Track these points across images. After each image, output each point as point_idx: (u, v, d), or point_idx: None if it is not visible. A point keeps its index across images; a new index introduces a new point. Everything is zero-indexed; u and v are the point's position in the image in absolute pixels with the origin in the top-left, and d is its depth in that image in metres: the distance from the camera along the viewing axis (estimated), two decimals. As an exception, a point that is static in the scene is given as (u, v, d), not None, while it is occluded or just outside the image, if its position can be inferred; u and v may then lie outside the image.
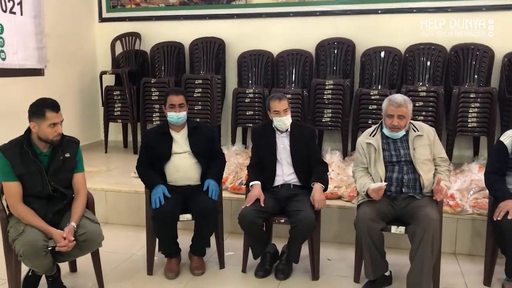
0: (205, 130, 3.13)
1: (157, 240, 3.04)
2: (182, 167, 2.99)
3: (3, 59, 4.34)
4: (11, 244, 2.48)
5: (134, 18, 5.54)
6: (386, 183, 2.71)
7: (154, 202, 2.83)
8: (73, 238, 2.46)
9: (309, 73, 4.91)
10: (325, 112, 4.56)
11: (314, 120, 4.57)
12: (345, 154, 4.50)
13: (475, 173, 3.71)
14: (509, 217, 2.57)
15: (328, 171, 3.11)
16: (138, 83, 5.04)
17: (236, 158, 4.25)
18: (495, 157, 2.89)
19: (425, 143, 2.80)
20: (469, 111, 4.20)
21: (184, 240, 3.04)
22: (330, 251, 3.28)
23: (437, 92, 4.23)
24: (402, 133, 2.82)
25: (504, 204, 2.63)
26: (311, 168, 3.01)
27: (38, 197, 2.53)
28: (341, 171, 3.97)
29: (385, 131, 2.85)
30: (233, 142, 4.80)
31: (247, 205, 2.84)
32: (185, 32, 5.31)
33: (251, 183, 2.97)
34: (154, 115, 4.93)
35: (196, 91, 4.78)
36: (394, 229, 2.72)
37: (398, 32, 4.77)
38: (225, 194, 3.50)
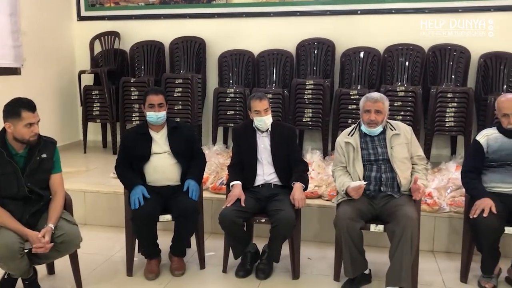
0: (185, 130, 3.11)
1: (136, 241, 3.01)
2: (162, 167, 2.97)
3: (-22, 57, 4.26)
4: (-14, 247, 2.42)
5: (113, 17, 5.47)
6: (365, 182, 2.74)
7: (133, 203, 2.80)
8: (50, 240, 2.42)
9: (290, 73, 4.93)
10: (305, 111, 4.58)
11: (294, 119, 4.59)
12: (325, 154, 4.53)
13: (452, 171, 3.77)
14: (484, 215, 2.62)
15: (308, 170, 3.12)
16: (118, 82, 4.98)
17: (217, 158, 4.23)
18: (471, 156, 2.94)
19: (402, 142, 2.84)
20: (447, 110, 4.26)
21: (164, 240, 3.02)
22: (310, 250, 3.30)
23: (415, 92, 4.29)
24: (379, 129, 2.85)
25: (479, 202, 2.68)
26: (291, 167, 3.02)
27: (14, 198, 2.48)
28: (321, 170, 3.99)
29: (364, 128, 2.88)
30: (214, 142, 4.79)
31: (228, 205, 2.84)
32: (165, 31, 5.27)
33: (231, 183, 2.97)
34: (133, 115, 4.88)
35: (176, 90, 4.75)
36: (373, 227, 2.75)
37: (377, 33, 4.82)
38: (205, 194, 3.49)
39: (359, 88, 4.68)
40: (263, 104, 2.98)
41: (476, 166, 2.87)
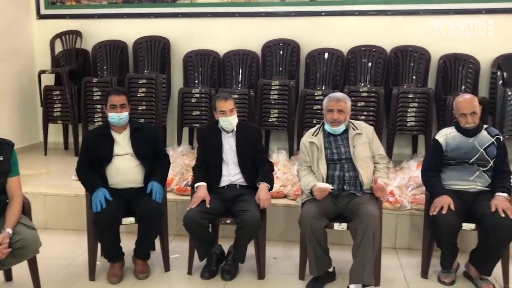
0: (148, 131, 3.07)
1: (99, 244, 2.95)
2: (124, 169, 2.92)
3: None
4: None
5: (75, 16, 5.34)
6: (332, 187, 2.77)
7: (95, 206, 2.75)
8: (7, 245, 2.34)
9: (256, 74, 4.94)
10: (271, 112, 4.60)
11: (260, 120, 4.60)
12: (291, 153, 4.56)
13: (413, 170, 3.87)
14: (443, 212, 2.70)
15: (273, 170, 3.14)
16: (79, 82, 4.87)
17: (182, 159, 4.19)
18: (431, 154, 3.03)
19: (364, 141, 2.89)
20: (408, 110, 4.37)
21: (128, 243, 2.98)
22: (276, 250, 3.31)
23: (378, 92, 4.38)
24: (341, 127, 2.89)
25: (439, 200, 2.77)
26: (257, 168, 3.03)
27: (-32, 203, 2.39)
28: (287, 170, 4.02)
29: (327, 127, 2.93)
30: (179, 142, 4.74)
31: (192, 207, 2.82)
32: (129, 31, 5.19)
33: (196, 185, 2.95)
34: (96, 116, 4.78)
35: (140, 90, 4.68)
36: (336, 226, 2.79)
37: (341, 34, 4.88)
38: (170, 196, 3.46)
39: (323, 88, 4.73)
40: (228, 104, 2.97)
41: (436, 164, 2.95)
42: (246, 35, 5.05)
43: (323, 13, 4.94)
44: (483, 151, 2.85)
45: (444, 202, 2.73)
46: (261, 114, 4.61)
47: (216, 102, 3.01)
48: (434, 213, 2.73)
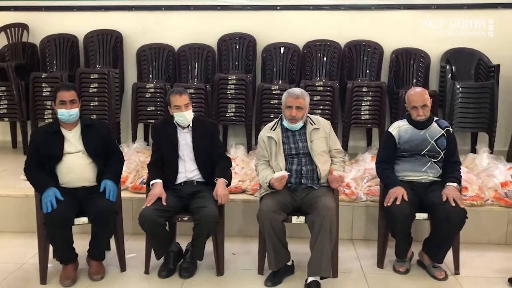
0: (100, 127, 2.96)
1: (51, 246, 2.83)
2: (76, 167, 2.82)
3: None
4: None
5: (21, 8, 5.12)
6: (288, 173, 2.79)
7: (45, 206, 2.65)
8: None
9: (212, 68, 4.90)
10: (228, 107, 4.57)
11: (218, 115, 4.56)
12: (249, 148, 4.55)
13: (368, 162, 3.95)
14: (397, 203, 2.77)
15: (231, 165, 3.12)
16: (27, 78, 4.67)
17: (137, 156, 4.10)
18: (384, 147, 3.09)
19: (321, 136, 2.92)
20: (362, 104, 4.45)
21: (81, 244, 2.88)
22: (235, 245, 3.29)
23: (333, 86, 4.43)
24: (300, 124, 2.91)
25: (393, 191, 2.83)
26: (214, 163, 2.99)
27: None
28: (245, 165, 4.01)
29: (285, 123, 2.93)
30: (134, 139, 4.63)
31: (148, 205, 2.76)
32: (79, 24, 5.04)
33: (151, 182, 2.89)
34: (46, 113, 4.60)
35: (92, 86, 4.54)
36: (294, 219, 2.80)
37: (297, 29, 4.92)
38: (125, 194, 3.38)
39: (280, 83, 4.75)
40: (183, 99, 2.92)
41: (389, 156, 3.02)
42: (201, 28, 4.99)
43: (278, 7, 4.96)
44: (434, 143, 2.93)
45: (398, 193, 2.80)
46: (218, 109, 4.57)
47: (170, 97, 2.95)
48: (389, 204, 2.80)
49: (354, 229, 3.49)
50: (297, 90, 2.93)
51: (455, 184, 2.86)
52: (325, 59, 4.81)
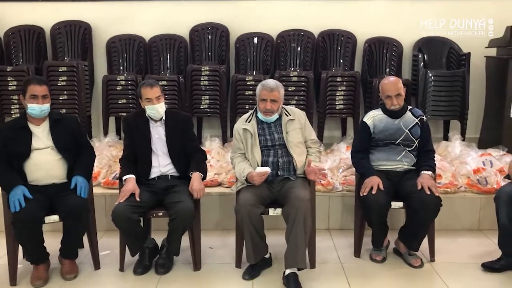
0: (69, 122, 2.87)
1: (20, 246, 2.74)
2: (45, 164, 2.72)
3: None
4: None
5: (-18, -2, 4.90)
6: (269, 169, 2.76)
7: (13, 205, 2.55)
8: None
9: (184, 59, 4.81)
10: (202, 98, 4.50)
11: (192, 107, 4.49)
12: (224, 140, 4.50)
13: (343, 152, 3.96)
14: (373, 192, 2.78)
15: (206, 159, 3.07)
16: (-9, 72, 4.49)
17: (109, 150, 4.01)
18: (359, 136, 3.10)
19: (297, 127, 2.90)
20: (336, 94, 4.44)
21: (53, 242, 2.80)
22: (212, 239, 3.26)
23: (307, 77, 4.41)
24: (275, 116, 2.87)
25: (368, 180, 2.84)
26: (189, 157, 2.94)
27: None
28: (220, 157, 3.96)
29: (260, 115, 2.89)
30: (106, 133, 4.52)
31: (121, 201, 2.69)
32: (45, 15, 4.84)
33: (124, 177, 2.82)
34: (12, 107, 4.43)
35: (60, 79, 4.39)
36: (272, 211, 2.79)
37: (269, 18, 4.85)
38: (97, 190, 3.30)
39: (254, 74, 4.70)
40: (154, 92, 2.85)
41: (364, 146, 3.02)
42: (173, 18, 4.88)
43: (250, -3, 4.88)
44: (408, 131, 2.95)
45: (374, 182, 2.81)
46: (192, 100, 4.50)
47: (141, 90, 2.87)
48: (365, 194, 2.81)
49: (330, 219, 3.50)
50: (271, 83, 2.88)
51: (429, 173, 2.88)
52: (299, 49, 4.78)
